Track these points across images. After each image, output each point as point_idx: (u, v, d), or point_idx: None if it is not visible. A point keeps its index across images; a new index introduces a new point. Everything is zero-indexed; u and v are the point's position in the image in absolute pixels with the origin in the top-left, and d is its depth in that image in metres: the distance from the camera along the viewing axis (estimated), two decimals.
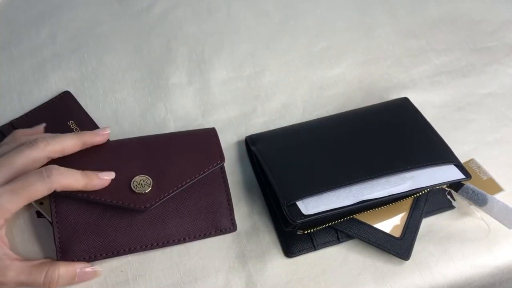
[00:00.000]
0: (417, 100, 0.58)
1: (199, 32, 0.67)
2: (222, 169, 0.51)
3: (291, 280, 0.47)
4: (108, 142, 0.49)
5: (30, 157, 0.44)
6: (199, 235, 0.47)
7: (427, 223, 0.51)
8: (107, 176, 0.46)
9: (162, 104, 0.60)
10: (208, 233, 0.48)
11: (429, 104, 0.60)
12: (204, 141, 0.51)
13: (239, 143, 0.57)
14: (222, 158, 0.49)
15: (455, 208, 0.52)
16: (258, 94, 0.61)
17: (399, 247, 0.48)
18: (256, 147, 0.52)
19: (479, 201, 0.49)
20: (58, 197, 0.45)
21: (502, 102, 0.62)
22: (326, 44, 0.67)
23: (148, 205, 0.45)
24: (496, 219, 0.48)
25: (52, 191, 0.43)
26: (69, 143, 0.46)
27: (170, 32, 0.67)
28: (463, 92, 0.62)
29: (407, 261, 0.48)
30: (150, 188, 0.46)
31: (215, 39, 0.66)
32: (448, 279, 0.48)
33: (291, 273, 0.48)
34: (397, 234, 0.49)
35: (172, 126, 0.58)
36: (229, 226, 0.48)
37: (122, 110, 0.59)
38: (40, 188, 0.42)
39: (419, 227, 0.50)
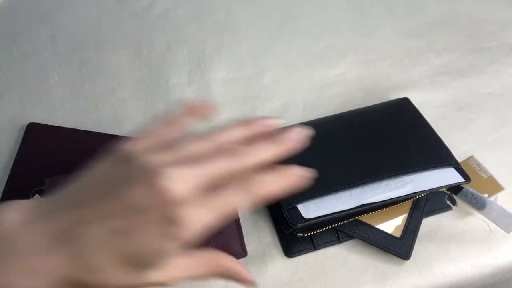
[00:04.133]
0: (417, 100, 0.58)
1: (199, 32, 0.67)
2: None
3: (291, 280, 0.47)
4: None
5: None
6: None
7: (428, 223, 0.51)
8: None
9: (162, 104, 0.60)
10: None
11: (429, 104, 0.60)
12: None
13: None
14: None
15: (456, 208, 0.52)
16: (258, 94, 0.61)
17: (399, 247, 0.48)
18: None
19: (478, 204, 0.49)
20: None
21: (502, 102, 0.62)
22: (326, 44, 0.67)
23: None
24: (494, 223, 0.48)
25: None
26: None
27: (170, 32, 0.67)
28: (463, 92, 0.62)
29: (408, 261, 0.48)
30: None
31: (215, 39, 0.66)
32: (448, 279, 0.48)
33: (291, 273, 0.48)
34: (398, 234, 0.49)
35: None
36: (239, 252, 0.47)
37: (122, 110, 0.59)
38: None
39: (420, 227, 0.50)
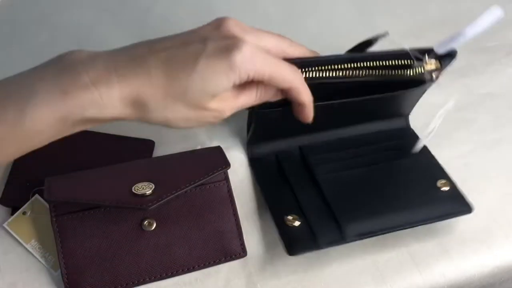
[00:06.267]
0: None
1: None
2: (230, 192, 0.50)
3: (291, 280, 0.47)
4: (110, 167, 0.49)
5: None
6: (209, 263, 0.47)
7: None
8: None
9: None
10: (217, 260, 0.47)
11: (429, 104, 0.60)
12: (209, 154, 0.51)
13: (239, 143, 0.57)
14: (226, 163, 0.49)
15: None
16: None
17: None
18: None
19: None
20: (62, 228, 0.45)
21: (502, 102, 0.62)
22: (326, 44, 0.67)
23: (149, 204, 0.44)
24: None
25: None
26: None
27: (170, 32, 0.67)
28: (463, 92, 0.62)
29: (407, 261, 0.48)
30: (151, 191, 0.45)
31: None
32: (448, 279, 0.48)
33: (292, 273, 0.48)
34: None
35: None
36: (239, 252, 0.48)
37: None
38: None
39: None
